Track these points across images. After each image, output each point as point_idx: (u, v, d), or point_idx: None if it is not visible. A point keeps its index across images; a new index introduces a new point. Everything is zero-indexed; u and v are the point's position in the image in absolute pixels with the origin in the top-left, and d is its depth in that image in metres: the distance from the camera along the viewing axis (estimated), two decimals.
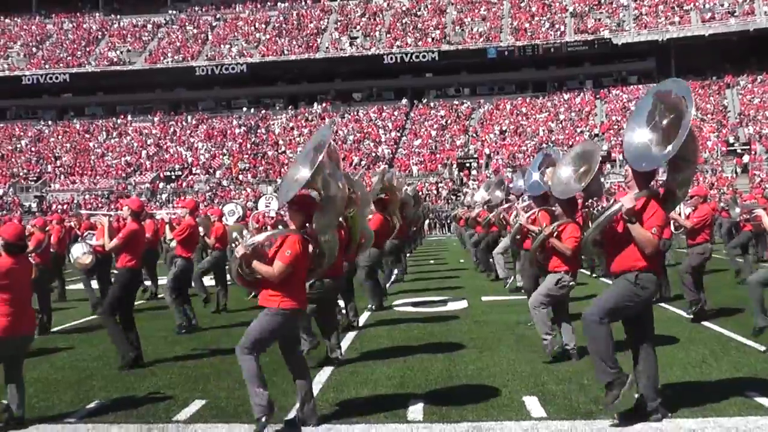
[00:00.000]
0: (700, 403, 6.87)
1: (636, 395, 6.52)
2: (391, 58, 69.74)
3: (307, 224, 6.62)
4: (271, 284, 6.41)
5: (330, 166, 6.63)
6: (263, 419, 6.29)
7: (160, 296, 15.60)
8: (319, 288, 8.61)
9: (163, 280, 15.43)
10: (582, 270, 13.63)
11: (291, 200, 6.62)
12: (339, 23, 76.06)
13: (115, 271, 9.40)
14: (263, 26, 77.13)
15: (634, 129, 6.35)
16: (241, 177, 60.98)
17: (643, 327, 6.49)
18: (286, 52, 72.29)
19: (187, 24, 79.23)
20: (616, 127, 60.17)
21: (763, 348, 9.05)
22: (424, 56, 69.36)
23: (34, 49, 76.91)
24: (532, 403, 7.06)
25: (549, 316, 8.93)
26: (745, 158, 52.81)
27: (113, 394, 7.98)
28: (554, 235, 8.79)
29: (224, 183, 60.61)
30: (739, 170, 51.90)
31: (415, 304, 14.49)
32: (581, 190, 7.94)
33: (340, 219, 8.05)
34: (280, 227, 7.75)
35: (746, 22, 63.41)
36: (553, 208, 9.22)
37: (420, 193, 35.99)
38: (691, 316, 11.44)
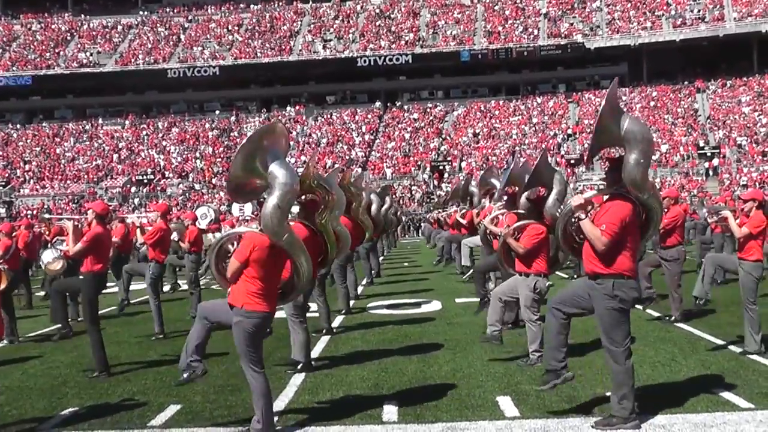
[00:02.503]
0: (670, 399, 6.99)
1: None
2: (365, 61, 69.78)
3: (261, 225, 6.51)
4: (238, 285, 6.34)
5: (261, 155, 6.21)
6: (185, 376, 6.41)
7: (133, 302, 15.48)
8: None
9: (134, 286, 15.38)
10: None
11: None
12: (312, 26, 76.01)
13: (81, 276, 9.21)
14: (236, 28, 76.86)
15: None
16: (214, 180, 60.67)
17: (604, 330, 6.47)
18: (259, 54, 72.12)
19: (158, 25, 78.71)
20: (588, 130, 60.62)
21: (738, 348, 9.19)
22: (397, 59, 69.47)
23: (0, 51, 75.98)
24: (506, 403, 7.13)
25: (502, 313, 9.12)
26: (715, 161, 53.51)
27: (87, 401, 7.89)
28: (514, 235, 8.89)
29: (197, 187, 60.26)
30: (710, 173, 52.54)
31: (389, 306, 14.53)
32: None
33: (312, 227, 7.95)
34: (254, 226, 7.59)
35: (716, 28, 64.30)
36: (522, 211, 9.31)
37: (394, 195, 36.14)
38: (663, 316, 11.61)
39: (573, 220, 6.75)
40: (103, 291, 9.56)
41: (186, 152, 65.98)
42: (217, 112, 72.72)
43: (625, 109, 6.40)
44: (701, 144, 56.09)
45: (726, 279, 14.67)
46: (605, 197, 6.62)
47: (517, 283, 8.93)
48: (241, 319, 6.26)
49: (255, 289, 6.29)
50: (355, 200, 12.01)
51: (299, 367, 8.83)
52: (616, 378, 6.31)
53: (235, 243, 6.71)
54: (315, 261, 7.22)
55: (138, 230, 13.05)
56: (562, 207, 8.41)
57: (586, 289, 6.48)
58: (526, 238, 8.77)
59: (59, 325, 12.11)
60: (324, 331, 11.25)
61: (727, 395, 7.14)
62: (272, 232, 6.26)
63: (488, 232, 10.93)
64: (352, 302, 14.27)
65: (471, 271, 16.68)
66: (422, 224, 48.91)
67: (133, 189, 60.80)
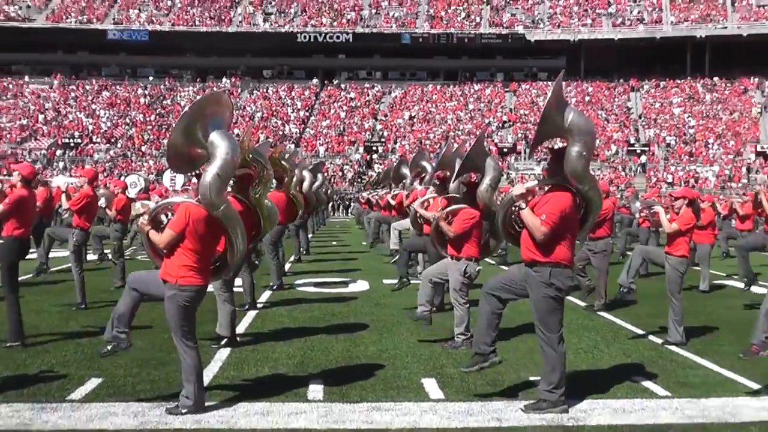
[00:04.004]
0: (592, 385, 7.11)
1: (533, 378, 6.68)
2: (305, 37, 69.25)
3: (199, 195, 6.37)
4: (172, 258, 6.21)
5: (203, 125, 6.13)
6: (184, 412, 6.18)
7: (55, 269, 15.10)
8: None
9: (56, 254, 15.00)
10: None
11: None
12: None
13: (1, 240, 8.83)
14: None
15: None
16: (144, 148, 59.50)
17: (536, 315, 6.54)
18: (197, 22, 70.87)
19: None
20: (523, 120, 61.38)
21: (659, 339, 9.40)
22: (338, 37, 69.06)
23: None
24: (431, 385, 7.14)
25: (432, 294, 9.20)
26: (643, 158, 54.77)
27: (3, 371, 7.55)
28: (446, 219, 8.92)
29: (125, 154, 58.97)
30: (639, 169, 53.74)
31: (316, 284, 14.47)
32: None
33: (245, 199, 7.81)
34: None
35: (654, 30, 65.77)
36: (455, 195, 9.34)
37: (326, 173, 36.01)
38: (584, 304, 11.83)
39: (513, 208, 6.78)
40: (25, 257, 9.21)
41: (116, 117, 64.41)
42: (151, 78, 71.15)
43: (570, 103, 6.43)
44: (632, 141, 57.34)
45: (648, 272, 14.99)
46: (546, 187, 6.66)
47: (448, 266, 8.97)
48: (174, 293, 6.15)
49: (189, 262, 6.18)
50: (287, 176, 11.90)
51: (223, 342, 8.72)
52: (549, 363, 6.38)
53: (169, 214, 6.54)
54: (248, 236, 7.10)
55: (63, 195, 12.63)
56: (500, 194, 8.46)
57: (521, 275, 6.52)
58: (458, 222, 8.80)
59: None
60: (247, 306, 11.13)
61: (646, 383, 7.31)
62: (210, 202, 6.17)
63: (418, 215, 10.95)
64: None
65: (398, 254, 16.78)
66: (352, 204, 48.92)
67: (59, 152, 59.13)
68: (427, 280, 9.16)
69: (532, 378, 7.11)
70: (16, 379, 7.28)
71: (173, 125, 6.05)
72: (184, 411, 6.18)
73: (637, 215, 15.89)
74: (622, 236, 17.83)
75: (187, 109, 6.11)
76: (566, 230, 6.37)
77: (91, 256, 15.81)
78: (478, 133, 52.27)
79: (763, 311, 7.00)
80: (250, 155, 7.46)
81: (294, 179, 12.31)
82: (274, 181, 10.82)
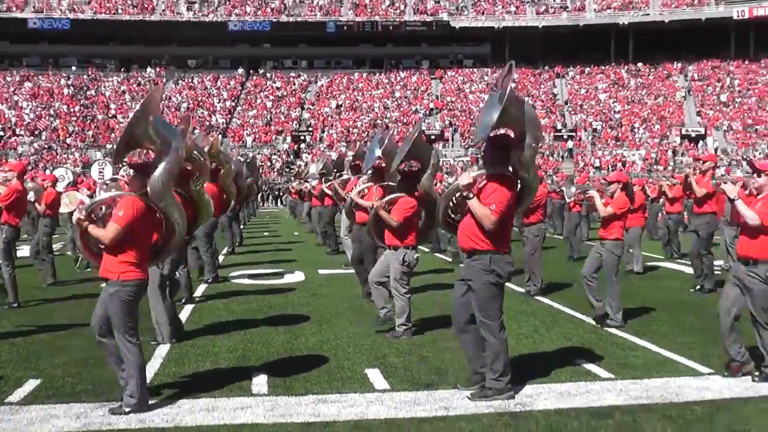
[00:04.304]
0: (534, 370, 7.13)
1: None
2: (229, 26, 68.29)
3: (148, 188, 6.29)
4: (112, 254, 6.07)
5: (154, 120, 6.23)
6: (128, 411, 6.01)
7: None
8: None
9: None
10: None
11: (129, 163, 6.37)
12: None
13: None
14: None
15: (488, 112, 6.44)
16: (69, 140, 57.98)
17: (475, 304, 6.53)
18: (120, 11, 69.25)
19: None
20: (450, 107, 61.73)
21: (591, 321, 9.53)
22: (262, 26, 68.34)
23: None
24: (375, 376, 7.09)
25: (386, 292, 9.11)
26: (570, 143, 55.65)
27: None
28: (385, 208, 8.87)
29: (51, 146, 57.35)
30: (566, 154, 54.61)
31: (251, 276, 14.30)
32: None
33: (184, 193, 7.69)
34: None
35: (577, 18, 66.79)
36: (391, 183, 9.30)
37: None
38: (524, 290, 11.91)
39: (455, 197, 6.73)
40: None
41: (39, 109, 62.49)
42: (74, 68, 69.20)
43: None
44: (559, 126, 58.20)
45: (581, 256, 15.20)
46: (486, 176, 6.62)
47: (387, 258, 8.93)
48: (117, 289, 6.04)
49: (130, 256, 6.11)
50: (223, 168, 11.68)
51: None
52: (492, 350, 6.35)
53: (103, 208, 6.37)
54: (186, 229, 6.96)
55: None
56: (442, 183, 8.41)
57: (461, 286, 6.52)
58: (399, 211, 8.76)
59: None
60: (184, 300, 10.91)
61: (588, 366, 7.38)
62: (159, 195, 6.17)
63: (354, 204, 10.84)
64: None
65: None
66: (282, 195, 48.65)
67: None
68: (374, 283, 9.14)
69: (481, 368, 7.05)
70: None
71: (128, 121, 6.00)
72: (128, 410, 6.02)
73: (569, 200, 16.08)
74: (557, 220, 18.06)
75: (139, 106, 6.13)
76: (508, 218, 6.40)
77: (22, 253, 15.38)
78: (414, 121, 52.45)
79: (726, 313, 6.90)
80: (193, 150, 7.34)
81: (228, 171, 12.07)
82: None
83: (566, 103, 62.35)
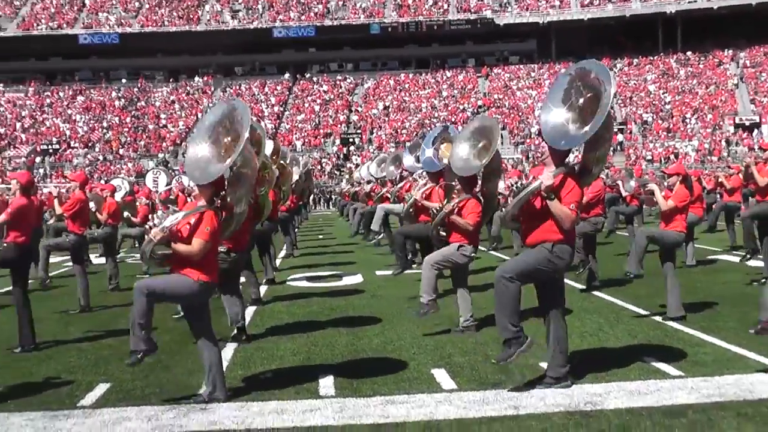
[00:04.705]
0: (602, 369, 7.04)
1: (543, 364, 6.65)
2: (273, 32, 68.80)
3: (215, 198, 6.41)
4: (186, 260, 6.25)
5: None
6: (139, 356, 6.24)
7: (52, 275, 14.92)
8: (229, 261, 8.38)
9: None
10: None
11: None
12: None
13: (3, 245, 8.87)
14: None
15: (550, 109, 6.42)
16: (121, 151, 59.08)
17: (554, 295, 6.62)
18: (166, 23, 70.26)
19: None
20: (497, 105, 61.44)
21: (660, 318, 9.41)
22: (306, 31, 68.75)
23: None
24: (441, 376, 7.07)
25: (435, 281, 8.93)
26: (620, 137, 54.95)
27: (9, 380, 7.46)
28: (454, 211, 8.83)
29: (105, 157, 58.50)
30: (617, 147, 53.87)
31: (309, 279, 14.39)
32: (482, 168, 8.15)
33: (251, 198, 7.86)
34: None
35: (623, 8, 65.97)
36: (453, 184, 9.26)
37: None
38: (584, 287, 11.79)
39: (523, 197, 6.65)
40: (29, 263, 9.22)
41: (92, 121, 63.88)
42: (124, 80, 70.68)
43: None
44: None
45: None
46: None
47: (451, 253, 8.86)
48: (197, 291, 6.28)
49: (207, 260, 6.34)
50: (284, 173, 11.83)
51: (233, 333, 8.77)
52: (554, 337, 6.48)
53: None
54: (251, 232, 7.16)
55: (56, 201, 12.50)
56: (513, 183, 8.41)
57: (534, 256, 6.47)
58: (472, 214, 8.73)
59: None
60: (251, 302, 11.05)
61: (657, 364, 7.24)
62: (240, 205, 6.64)
63: (419, 204, 10.72)
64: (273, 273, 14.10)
65: (380, 235, 17.01)
66: (334, 197, 48.88)
67: (38, 159, 58.59)
68: (429, 265, 8.89)
69: (541, 364, 7.02)
70: (24, 387, 7.19)
71: (239, 148, 6.27)
72: (207, 399, 6.37)
73: (626, 194, 15.92)
74: (611, 214, 17.88)
75: (244, 131, 6.31)
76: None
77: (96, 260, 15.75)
78: (463, 120, 52.27)
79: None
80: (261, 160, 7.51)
81: (288, 176, 12.26)
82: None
83: (615, 95, 61.36)
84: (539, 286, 6.62)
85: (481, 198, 8.75)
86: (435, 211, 9.16)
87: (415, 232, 11.55)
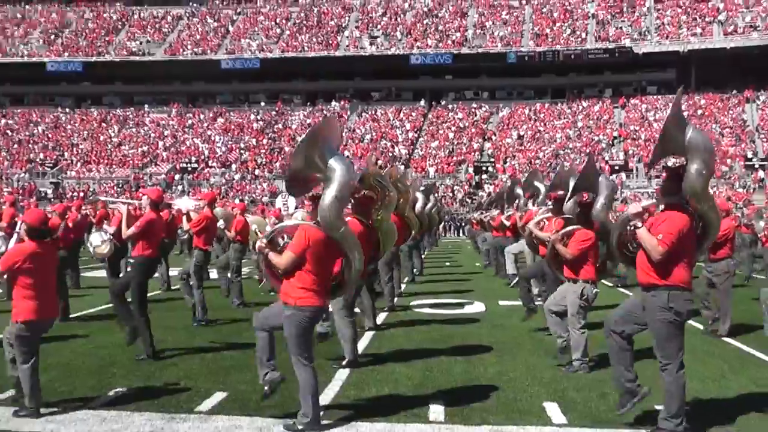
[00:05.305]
0: (721, 417, 6.88)
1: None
2: (411, 59, 69.66)
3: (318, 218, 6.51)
4: (290, 279, 6.40)
5: (320, 150, 6.32)
6: (301, 429, 6.35)
7: (174, 287, 15.69)
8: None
9: (174, 271, 15.56)
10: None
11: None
12: (359, 22, 76.10)
13: (131, 260, 9.45)
14: (284, 21, 77.24)
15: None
16: (257, 172, 61.14)
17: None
18: (305, 48, 72.35)
19: (207, 17, 79.41)
20: (634, 137, 60.03)
21: None
22: (443, 58, 69.26)
23: (53, 37, 77.18)
24: (553, 410, 7.08)
25: (563, 324, 8.95)
26: (761, 173, 52.48)
27: (133, 382, 8.03)
28: (563, 241, 8.82)
29: (243, 177, 60.72)
30: (758, 185, 51.48)
31: (432, 306, 14.51)
32: None
33: (365, 220, 8.01)
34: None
35: None
36: (569, 216, 9.25)
37: (436, 193, 36.03)
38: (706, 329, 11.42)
39: (629, 228, 6.64)
40: (152, 276, 9.74)
41: (230, 142, 66.48)
42: (262, 104, 73.17)
43: (688, 119, 6.32)
44: (749, 155, 55.10)
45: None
46: (661, 206, 6.53)
47: (566, 290, 8.86)
48: (293, 312, 6.34)
49: (307, 283, 6.37)
50: (403, 197, 11.99)
51: (344, 363, 8.85)
52: (668, 390, 6.22)
53: (285, 236, 6.73)
54: (367, 257, 7.24)
55: (184, 217, 13.15)
56: (615, 213, 8.32)
57: (638, 303, 6.40)
58: (574, 243, 8.71)
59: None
60: (368, 327, 11.26)
61: None
62: (329, 224, 6.35)
63: (534, 236, 10.82)
64: (395, 300, 14.28)
65: (517, 278, 16.68)
66: (464, 225, 48.85)
67: (177, 176, 61.41)
68: (550, 312, 9.07)
69: (657, 406, 6.90)
70: (147, 390, 7.71)
71: (292, 153, 6.27)
72: (300, 428, 6.34)
73: (760, 234, 15.28)
74: (747, 258, 17.16)
75: (305, 136, 6.29)
76: (684, 251, 6.21)
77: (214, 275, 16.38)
78: (588, 151, 51.47)
79: None
80: (375, 179, 7.62)
81: (409, 201, 12.41)
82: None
83: (757, 129, 58.80)
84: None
85: (594, 229, 8.67)
86: (546, 241, 9.21)
87: (531, 273, 11.65)
